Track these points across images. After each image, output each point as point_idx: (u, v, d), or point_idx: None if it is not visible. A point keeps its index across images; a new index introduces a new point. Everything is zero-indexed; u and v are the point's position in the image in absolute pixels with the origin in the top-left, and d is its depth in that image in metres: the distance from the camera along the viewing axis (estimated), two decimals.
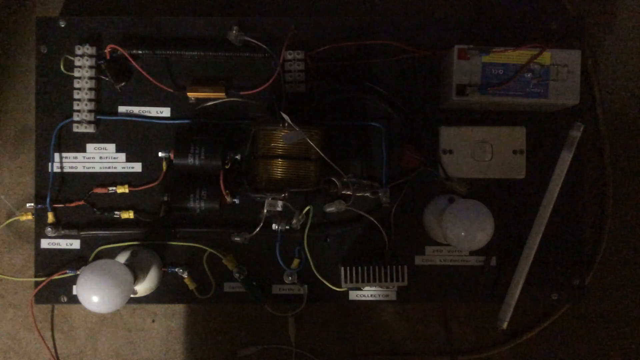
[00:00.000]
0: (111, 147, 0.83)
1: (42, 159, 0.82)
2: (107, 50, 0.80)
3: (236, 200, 0.81)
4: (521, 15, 0.87)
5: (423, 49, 0.82)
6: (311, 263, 0.80)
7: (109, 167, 0.83)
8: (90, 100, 0.81)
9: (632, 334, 0.87)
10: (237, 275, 0.81)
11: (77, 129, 0.82)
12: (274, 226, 0.79)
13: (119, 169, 0.83)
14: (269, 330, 0.86)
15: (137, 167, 0.83)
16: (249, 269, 0.82)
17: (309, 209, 0.79)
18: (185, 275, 0.81)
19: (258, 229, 0.77)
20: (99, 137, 0.83)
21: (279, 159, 0.75)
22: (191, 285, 0.82)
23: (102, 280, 0.71)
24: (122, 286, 0.72)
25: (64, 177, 0.83)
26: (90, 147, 0.83)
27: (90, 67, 0.81)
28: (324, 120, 0.82)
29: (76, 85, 0.81)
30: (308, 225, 0.79)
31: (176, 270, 0.81)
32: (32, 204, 0.82)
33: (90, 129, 0.82)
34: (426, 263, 0.83)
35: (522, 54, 0.74)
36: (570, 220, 0.83)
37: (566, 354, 0.87)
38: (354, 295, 0.83)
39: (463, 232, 0.72)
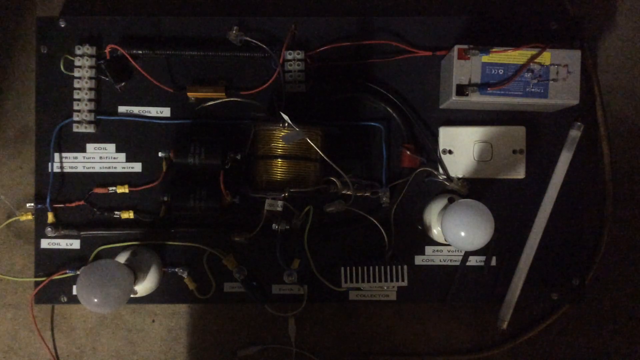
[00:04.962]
0: (111, 147, 0.83)
1: (42, 159, 0.82)
2: (107, 50, 0.81)
3: (236, 200, 0.81)
4: (521, 15, 0.87)
5: (423, 49, 0.82)
6: (311, 263, 0.80)
7: (109, 167, 0.83)
8: (90, 100, 0.81)
9: (632, 333, 0.87)
10: (237, 275, 0.81)
11: (77, 129, 0.82)
12: (274, 226, 0.79)
13: (119, 169, 0.83)
14: (269, 330, 0.86)
15: (137, 167, 0.83)
16: (249, 269, 0.82)
17: (309, 209, 0.79)
18: (185, 275, 0.81)
19: (258, 229, 0.77)
20: (99, 137, 0.83)
21: (279, 159, 0.75)
22: (191, 285, 0.82)
23: (102, 280, 0.71)
24: (122, 286, 0.72)
25: (64, 177, 0.83)
26: (90, 147, 0.83)
27: (90, 67, 0.81)
28: (324, 120, 0.82)
29: (76, 85, 0.81)
30: (308, 225, 0.79)
31: (176, 270, 0.81)
32: (32, 204, 0.82)
33: (90, 129, 0.82)
34: (426, 263, 0.83)
35: (522, 54, 0.74)
36: (570, 220, 0.83)
37: (566, 354, 0.87)
38: (354, 295, 0.83)
39: (463, 232, 0.72)
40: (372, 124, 0.82)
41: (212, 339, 0.87)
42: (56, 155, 0.82)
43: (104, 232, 0.82)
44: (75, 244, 0.83)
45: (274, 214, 0.76)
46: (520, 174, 0.82)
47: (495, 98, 0.75)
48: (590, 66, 0.86)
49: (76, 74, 0.81)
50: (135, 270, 0.76)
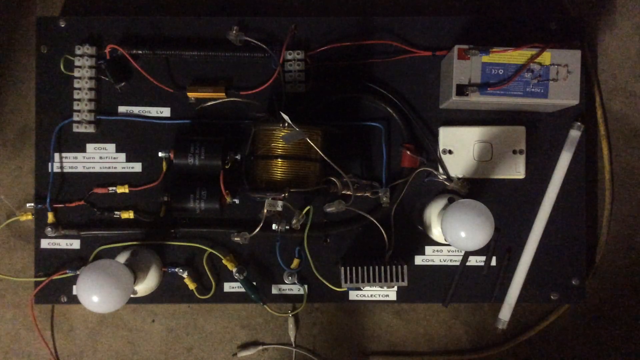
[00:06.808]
0: (111, 147, 0.83)
1: (42, 159, 0.82)
2: (107, 50, 0.81)
3: (236, 200, 0.81)
4: (521, 15, 0.87)
5: (423, 49, 0.82)
6: (311, 263, 0.80)
7: (109, 167, 0.83)
8: (90, 100, 0.81)
9: (631, 334, 0.87)
10: (237, 275, 0.81)
11: (77, 129, 0.82)
12: (274, 226, 0.79)
13: (119, 169, 0.83)
14: (269, 330, 0.86)
15: (137, 167, 0.83)
16: (249, 269, 0.82)
17: (309, 209, 0.79)
18: (185, 275, 0.81)
19: (258, 229, 0.77)
20: (99, 137, 0.83)
21: (279, 159, 0.75)
22: (191, 285, 0.82)
23: (102, 280, 0.71)
24: (122, 286, 0.72)
25: (64, 177, 0.83)
26: (90, 147, 0.83)
27: (90, 67, 0.81)
28: (324, 120, 0.82)
29: (76, 85, 0.81)
30: (308, 225, 0.79)
31: (176, 270, 0.81)
32: (32, 204, 0.82)
33: (90, 129, 0.82)
34: (426, 263, 0.83)
35: (522, 54, 0.74)
36: (570, 220, 0.83)
37: (566, 354, 0.87)
38: (354, 295, 0.83)
39: (463, 232, 0.72)
40: (372, 124, 0.82)
41: (212, 339, 0.87)
42: (56, 155, 0.82)
43: (104, 232, 0.82)
44: (75, 244, 0.83)
45: (274, 214, 0.76)
46: (520, 174, 0.82)
47: (495, 98, 0.75)
48: (590, 66, 0.86)
49: (76, 74, 0.81)
50: (135, 270, 0.76)
